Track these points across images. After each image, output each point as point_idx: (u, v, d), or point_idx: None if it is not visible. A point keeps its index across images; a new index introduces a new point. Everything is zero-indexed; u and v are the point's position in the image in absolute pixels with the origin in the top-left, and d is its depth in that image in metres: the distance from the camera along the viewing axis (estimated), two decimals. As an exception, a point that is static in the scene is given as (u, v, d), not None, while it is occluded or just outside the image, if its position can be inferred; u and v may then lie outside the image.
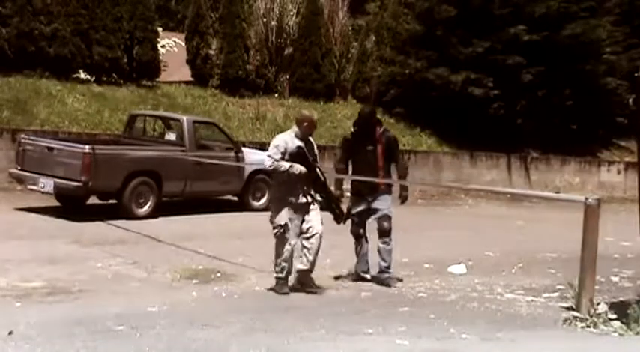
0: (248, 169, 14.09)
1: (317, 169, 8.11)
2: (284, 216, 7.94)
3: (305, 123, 8.16)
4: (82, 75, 18.66)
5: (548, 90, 20.78)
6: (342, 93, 22.09)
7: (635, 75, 9.98)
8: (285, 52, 21.58)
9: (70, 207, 12.82)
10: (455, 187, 19.65)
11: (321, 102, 20.86)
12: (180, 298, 7.59)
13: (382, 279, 8.78)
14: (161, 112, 16.24)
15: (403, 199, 8.96)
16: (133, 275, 8.69)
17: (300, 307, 7.50)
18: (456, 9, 20.25)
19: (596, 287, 7.42)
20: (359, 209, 8.79)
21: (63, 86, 17.46)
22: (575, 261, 7.40)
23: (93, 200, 13.07)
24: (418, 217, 14.04)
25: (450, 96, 19.93)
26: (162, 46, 21.68)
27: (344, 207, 8.60)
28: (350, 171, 9.06)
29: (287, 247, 7.99)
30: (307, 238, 8.03)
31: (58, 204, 13.00)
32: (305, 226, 8.01)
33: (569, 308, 7.42)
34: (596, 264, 7.14)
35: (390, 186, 8.91)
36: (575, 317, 6.98)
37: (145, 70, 19.28)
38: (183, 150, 13.40)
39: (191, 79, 21.07)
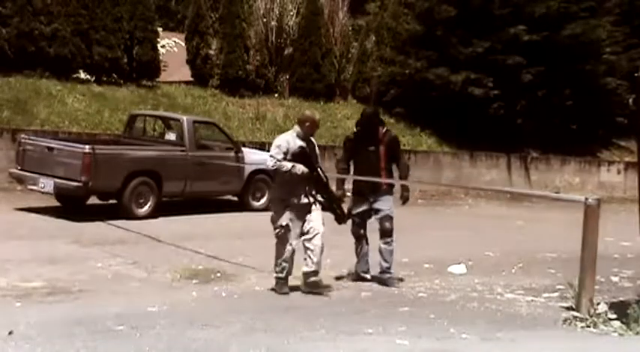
0: (248, 169, 14.10)
1: (318, 169, 8.10)
2: (285, 216, 7.93)
3: (307, 124, 8.16)
4: (82, 75, 18.66)
5: (548, 91, 20.78)
6: (342, 93, 22.09)
7: (635, 75, 9.97)
8: (285, 52, 21.59)
9: (70, 207, 12.82)
10: (456, 187, 19.66)
11: (321, 102, 20.86)
12: (180, 298, 7.59)
13: (383, 280, 8.77)
14: (161, 112, 16.24)
15: (405, 200, 8.94)
16: (133, 275, 8.69)
17: (300, 307, 7.49)
18: (456, 9, 20.25)
19: (596, 287, 7.42)
20: (360, 209, 8.78)
21: (63, 86, 17.46)
22: (575, 261, 7.40)
23: (93, 200, 13.07)
24: (418, 217, 14.03)
25: (450, 96, 19.93)
26: (162, 46, 21.68)
27: (345, 208, 8.60)
28: (351, 171, 9.05)
29: (288, 247, 7.98)
30: (309, 239, 8.00)
31: (58, 204, 13.00)
32: (307, 227, 7.99)
33: (569, 308, 7.42)
34: (596, 263, 7.15)
35: (391, 186, 8.91)
36: (575, 317, 6.98)
37: (144, 70, 19.28)
38: (183, 150, 13.40)
39: (191, 79, 21.08)
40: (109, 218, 12.12)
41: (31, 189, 12.80)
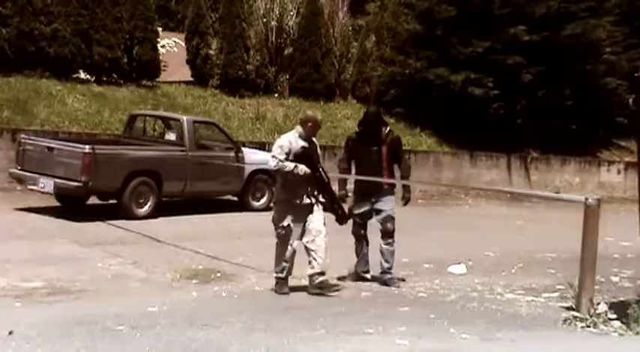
0: (248, 169, 14.10)
1: (320, 170, 8.10)
2: (287, 216, 7.93)
3: (309, 124, 8.14)
4: (82, 75, 18.65)
5: (548, 91, 20.77)
6: (342, 93, 22.08)
7: (635, 75, 9.98)
8: (285, 52, 21.57)
9: (70, 207, 12.82)
10: (456, 187, 19.66)
11: (321, 102, 20.85)
12: (180, 298, 7.60)
13: (384, 280, 8.77)
14: (161, 112, 16.24)
15: (406, 200, 8.93)
16: (133, 275, 8.69)
17: (300, 307, 7.49)
18: (456, 9, 20.23)
19: (596, 287, 7.42)
20: (361, 210, 8.78)
21: (63, 86, 17.46)
22: (575, 261, 7.40)
23: (93, 200, 13.07)
24: (418, 217, 14.02)
25: (449, 96, 19.93)
26: (162, 46, 21.65)
27: (346, 208, 8.59)
28: (353, 171, 9.04)
29: (289, 248, 7.98)
30: (312, 240, 7.98)
31: (58, 204, 13.00)
32: (308, 227, 7.99)
33: (569, 308, 7.42)
34: (596, 263, 7.14)
35: (393, 186, 8.90)
36: (575, 317, 6.98)
37: (144, 70, 19.27)
38: (183, 150, 13.40)
39: (191, 79, 21.06)
40: (109, 218, 12.12)
41: (31, 189, 12.81)
